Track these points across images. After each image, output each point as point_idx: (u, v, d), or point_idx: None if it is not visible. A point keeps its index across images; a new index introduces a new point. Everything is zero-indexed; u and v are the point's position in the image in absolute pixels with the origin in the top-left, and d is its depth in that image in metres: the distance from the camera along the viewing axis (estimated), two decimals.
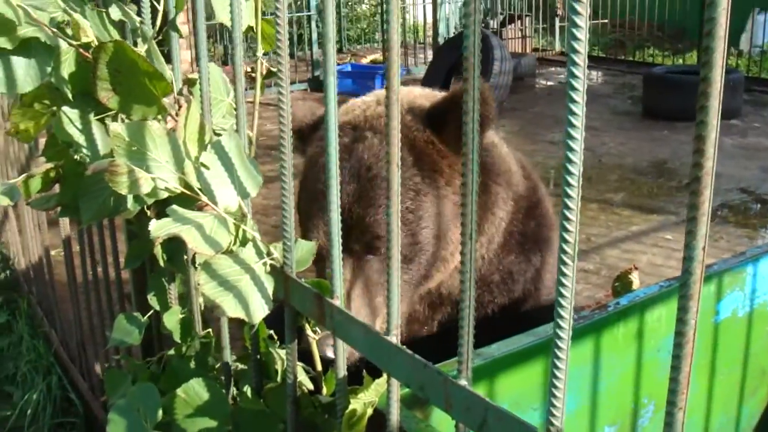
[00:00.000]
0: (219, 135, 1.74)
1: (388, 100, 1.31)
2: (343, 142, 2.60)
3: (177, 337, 2.28)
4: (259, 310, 1.59)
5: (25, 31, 1.68)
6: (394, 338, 1.39)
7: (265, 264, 1.63)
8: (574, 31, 0.94)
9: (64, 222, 3.85)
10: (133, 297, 2.72)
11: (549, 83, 14.47)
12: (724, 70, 0.83)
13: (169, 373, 2.26)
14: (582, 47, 0.94)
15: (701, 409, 2.77)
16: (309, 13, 15.11)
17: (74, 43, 1.74)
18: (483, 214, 2.66)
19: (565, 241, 1.01)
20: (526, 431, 1.14)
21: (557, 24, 17.29)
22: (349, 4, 21.01)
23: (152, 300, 2.40)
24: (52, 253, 4.71)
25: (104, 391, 3.86)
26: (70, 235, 3.85)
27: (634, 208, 7.43)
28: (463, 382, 1.25)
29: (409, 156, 2.56)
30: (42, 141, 2.45)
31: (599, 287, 5.50)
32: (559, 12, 17.33)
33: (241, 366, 2.15)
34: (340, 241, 1.54)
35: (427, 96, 2.77)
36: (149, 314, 2.44)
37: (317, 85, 14.11)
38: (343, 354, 1.60)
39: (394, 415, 1.48)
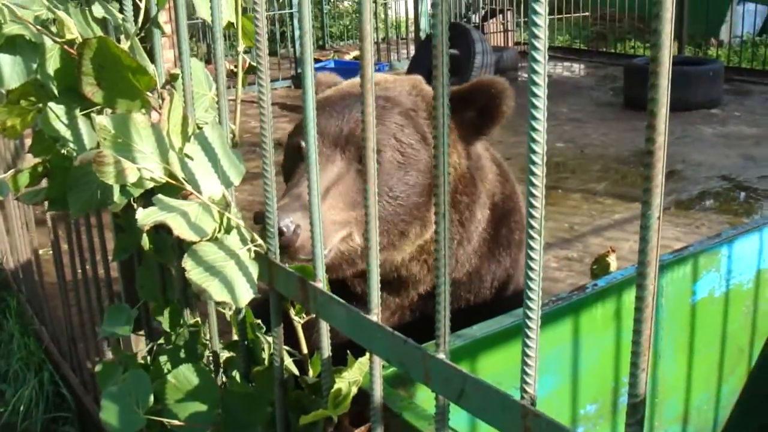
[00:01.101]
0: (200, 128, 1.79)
1: (363, 88, 1.36)
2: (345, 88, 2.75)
3: (166, 327, 2.32)
4: (245, 294, 1.64)
5: (11, 28, 1.73)
6: (375, 317, 1.45)
7: (249, 250, 1.69)
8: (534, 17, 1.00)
9: (52, 220, 3.90)
10: (122, 290, 2.77)
11: None
12: (671, 50, 0.89)
13: (159, 362, 2.31)
14: (542, 32, 1.00)
15: (682, 388, 2.83)
16: (291, 11, 15.15)
17: (59, 40, 1.79)
18: (470, 211, 2.69)
19: (533, 199, 1.07)
20: (502, 399, 1.19)
21: None
22: (332, 1, 21.05)
23: (141, 291, 2.45)
24: (40, 252, 4.75)
25: (96, 385, 3.93)
26: (58, 233, 3.90)
27: (617, 197, 7.51)
28: (441, 355, 1.30)
29: (424, 110, 2.63)
30: (27, 141, 2.51)
31: (582, 274, 5.57)
32: None
33: (229, 354, 2.20)
34: (321, 218, 1.59)
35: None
36: (138, 305, 2.49)
37: (300, 83, 14.13)
38: (326, 335, 1.65)
39: (377, 392, 1.54)
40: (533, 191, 1.07)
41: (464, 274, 2.80)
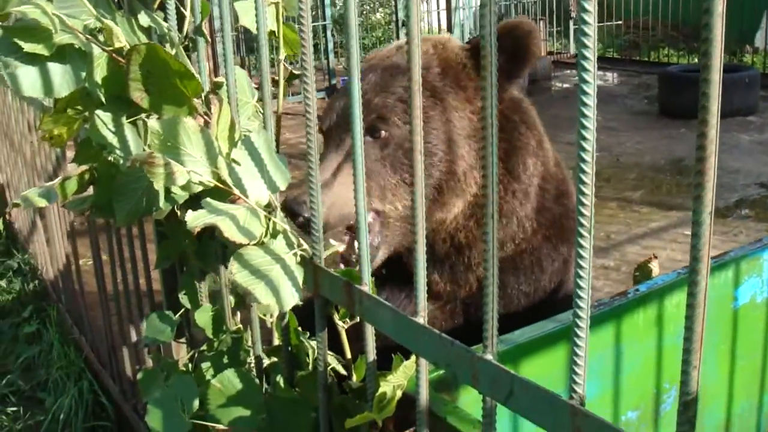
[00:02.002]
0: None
1: (411, 90, 1.37)
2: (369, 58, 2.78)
3: (209, 333, 2.34)
4: (290, 297, 1.66)
5: (61, 38, 1.75)
6: (422, 319, 1.46)
7: (295, 254, 1.70)
8: (584, 27, 1.01)
9: (93, 230, 3.94)
10: (163, 298, 2.79)
11: (564, 86, 14.52)
12: (722, 57, 0.90)
13: (201, 369, 2.32)
14: (591, 42, 1.01)
15: (723, 396, 2.81)
16: (324, 23, 15.20)
17: (107, 48, 1.82)
18: (513, 156, 2.65)
19: (582, 225, 1.07)
20: (551, 399, 1.19)
21: (572, 27, 17.32)
22: (364, 12, 21.12)
23: (183, 299, 2.47)
24: (80, 262, 4.80)
25: (135, 394, 3.96)
26: (98, 243, 3.94)
27: (653, 205, 7.47)
28: (488, 356, 1.31)
29: (436, 66, 2.62)
30: (69, 153, 2.54)
31: (619, 283, 5.55)
32: (574, 15, 17.36)
33: (271, 359, 2.22)
34: (367, 229, 1.60)
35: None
36: (180, 313, 2.51)
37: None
38: (372, 339, 1.66)
39: (423, 395, 1.54)
40: (583, 199, 1.08)
41: (524, 253, 2.79)
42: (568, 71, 15.79)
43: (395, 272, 2.74)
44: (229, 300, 2.34)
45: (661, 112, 11.58)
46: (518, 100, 2.77)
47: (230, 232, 1.54)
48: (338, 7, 18.63)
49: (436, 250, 2.72)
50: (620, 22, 17.73)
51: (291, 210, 2.31)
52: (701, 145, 0.93)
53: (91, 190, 2.21)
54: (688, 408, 1.02)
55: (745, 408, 2.93)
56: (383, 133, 2.54)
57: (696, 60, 15.98)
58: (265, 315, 2.30)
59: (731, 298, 2.68)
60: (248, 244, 1.61)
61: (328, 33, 15.26)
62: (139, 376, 2.47)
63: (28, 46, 1.71)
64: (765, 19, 16.46)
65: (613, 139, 9.87)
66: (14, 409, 4.90)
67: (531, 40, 2.54)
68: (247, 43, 15.85)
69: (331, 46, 15.25)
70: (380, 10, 21.78)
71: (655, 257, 2.72)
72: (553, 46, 17.66)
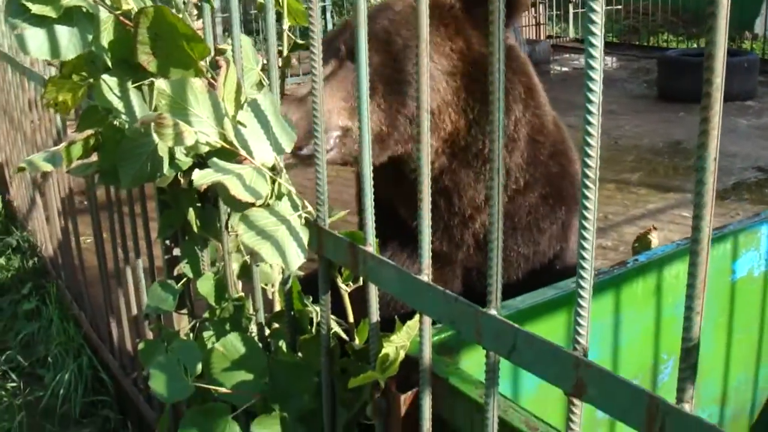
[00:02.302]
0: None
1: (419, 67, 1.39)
2: None
3: (211, 301, 2.36)
4: (295, 258, 1.68)
5: (69, 0, 1.76)
6: (425, 277, 1.47)
7: (300, 216, 1.72)
8: (591, 15, 1.02)
9: (94, 206, 3.95)
10: (164, 267, 2.81)
11: (564, 69, 14.50)
12: (725, 45, 0.91)
13: (203, 338, 2.34)
14: (598, 29, 1.03)
15: (720, 368, 2.84)
16: (324, 4, 15.17)
17: (114, 11, 1.83)
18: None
19: (587, 186, 1.09)
20: (554, 351, 1.21)
21: (571, 11, 17.30)
22: None
23: (185, 267, 2.49)
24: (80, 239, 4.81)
25: (135, 368, 3.98)
26: (99, 219, 3.95)
27: (651, 187, 7.49)
28: (492, 311, 1.33)
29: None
30: (70, 130, 2.55)
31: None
32: None
33: (273, 326, 2.24)
34: (372, 193, 1.62)
35: None
36: (183, 282, 2.53)
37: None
38: (375, 299, 1.68)
39: (427, 354, 1.56)
40: (587, 180, 1.10)
41: (521, 212, 2.82)
42: (567, 55, 15.76)
43: (396, 229, 2.76)
44: (232, 268, 2.36)
45: (659, 96, 11.58)
46: (508, 47, 2.78)
47: (237, 190, 1.56)
48: None
49: None
50: (620, 7, 17.69)
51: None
52: (706, 106, 0.95)
53: (95, 157, 2.22)
54: (690, 354, 1.04)
55: (742, 381, 2.95)
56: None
57: (695, 45, 16.00)
58: (266, 285, 2.32)
59: (729, 271, 2.70)
60: (254, 204, 1.63)
61: (328, 14, 15.25)
62: (140, 346, 2.49)
63: (36, 8, 1.72)
64: (765, 6, 16.44)
65: (611, 123, 9.87)
66: (14, 384, 4.92)
67: None
68: (245, 16, 15.81)
69: (330, 26, 15.23)
70: None
71: (655, 228, 2.74)
72: (552, 30, 17.62)
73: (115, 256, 3.78)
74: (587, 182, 1.10)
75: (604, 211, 6.77)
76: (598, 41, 1.04)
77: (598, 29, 1.03)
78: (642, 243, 2.70)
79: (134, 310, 3.80)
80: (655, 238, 2.69)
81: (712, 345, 2.75)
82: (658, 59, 12.11)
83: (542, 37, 16.80)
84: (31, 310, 5.68)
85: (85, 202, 4.61)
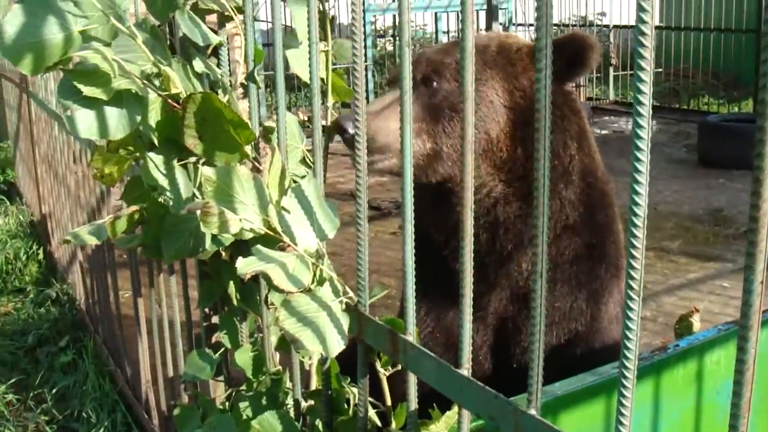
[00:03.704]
0: (294, 181, 1.85)
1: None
2: None
3: (249, 374, 2.37)
4: (336, 345, 1.68)
5: (119, 83, 1.80)
6: (466, 371, 1.47)
7: (341, 302, 1.73)
8: (640, 73, 1.03)
9: (134, 262, 3.98)
10: (203, 335, 2.82)
11: (603, 132, 14.49)
12: None
13: (239, 408, 2.35)
14: (646, 97, 1.03)
15: None
16: (366, 64, 15.33)
17: (162, 93, 1.86)
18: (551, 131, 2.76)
19: (631, 278, 1.09)
20: None
21: (611, 73, 17.33)
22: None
23: (224, 338, 2.50)
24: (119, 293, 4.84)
25: (169, 428, 3.98)
26: (139, 277, 3.98)
27: (691, 256, 7.42)
28: (532, 411, 1.32)
29: (494, 47, 2.89)
30: (113, 189, 2.59)
31: (656, 334, 5.51)
32: (613, 61, 17.37)
33: (309, 402, 2.24)
34: (414, 282, 1.62)
35: None
36: (220, 352, 2.54)
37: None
38: (414, 388, 1.67)
39: None
40: (633, 251, 1.09)
41: (566, 263, 2.84)
42: (607, 117, 15.77)
43: (432, 267, 2.76)
44: (270, 341, 2.36)
45: (699, 162, 11.52)
46: (567, 91, 2.92)
47: (279, 280, 1.57)
48: (378, 48, 18.78)
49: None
50: (660, 70, 17.70)
51: (339, 126, 2.47)
52: (754, 205, 0.94)
53: (138, 230, 2.25)
54: None
55: None
56: (434, 84, 2.81)
57: (735, 109, 15.94)
58: (304, 358, 2.32)
59: None
60: (296, 292, 1.64)
61: (369, 74, 15.40)
62: (176, 411, 2.50)
63: (87, 90, 1.76)
64: None
65: (651, 188, 9.52)
66: None
67: (591, 54, 2.76)
68: (287, 82, 16.04)
69: (371, 86, 15.38)
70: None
71: (697, 310, 2.71)
72: (592, 92, 17.65)
73: (152, 313, 3.79)
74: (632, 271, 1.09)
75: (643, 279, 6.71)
76: (646, 111, 1.04)
77: (646, 98, 1.04)
78: (683, 325, 2.67)
79: (170, 371, 3.81)
80: (696, 321, 2.66)
81: (753, 430, 2.70)
82: (698, 124, 12.07)
83: (582, 99, 16.83)
84: (67, 363, 5.71)
85: (125, 256, 4.65)
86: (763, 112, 0.92)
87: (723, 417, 2.48)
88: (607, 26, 18.05)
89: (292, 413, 2.21)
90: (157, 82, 1.92)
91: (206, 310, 2.72)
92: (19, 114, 8.61)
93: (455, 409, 1.56)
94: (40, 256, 7.70)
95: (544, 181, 1.26)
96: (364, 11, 1.88)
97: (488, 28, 13.80)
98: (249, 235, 1.67)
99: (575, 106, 2.93)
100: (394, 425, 1.89)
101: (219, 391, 2.86)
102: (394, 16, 16.30)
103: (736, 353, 1.01)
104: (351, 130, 2.31)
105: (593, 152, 2.97)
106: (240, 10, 2.20)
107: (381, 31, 17.93)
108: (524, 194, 2.77)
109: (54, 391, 5.40)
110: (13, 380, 5.54)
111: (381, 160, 2.76)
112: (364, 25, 14.15)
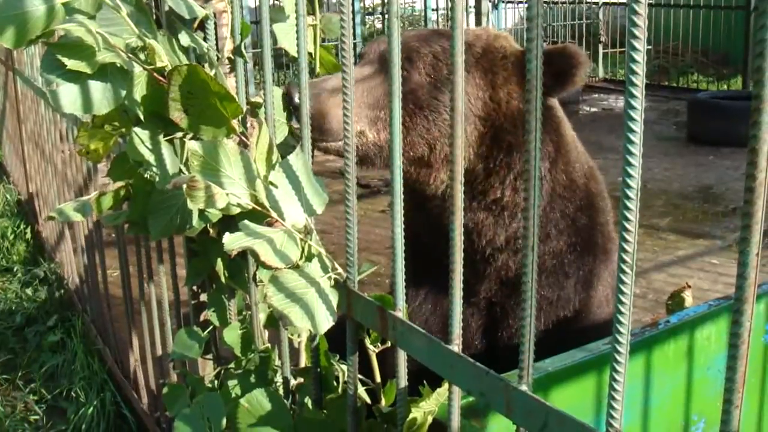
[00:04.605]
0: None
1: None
2: None
3: (237, 352, 2.35)
4: (324, 321, 1.66)
5: (104, 56, 1.77)
6: (456, 347, 1.45)
7: (329, 278, 1.71)
8: (633, 54, 1.01)
9: (121, 241, 3.95)
10: (191, 314, 2.80)
11: (593, 110, 14.49)
12: None
13: (228, 386, 2.33)
14: (640, 69, 1.01)
15: (752, 430, 2.78)
16: (355, 41, 15.25)
17: (148, 67, 1.83)
18: (517, 151, 2.70)
19: (624, 251, 1.07)
20: None
21: (600, 51, 17.31)
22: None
23: (212, 316, 2.48)
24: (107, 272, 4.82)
25: (158, 407, 3.96)
26: (127, 255, 3.95)
27: (680, 233, 7.43)
28: (523, 387, 1.31)
29: (479, 47, 2.73)
30: (100, 164, 2.57)
31: (645, 311, 5.51)
32: (603, 39, 17.34)
33: (298, 380, 2.22)
34: (403, 258, 1.60)
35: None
36: (209, 330, 2.52)
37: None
38: (404, 364, 1.66)
39: (455, 423, 1.54)
40: (626, 225, 1.08)
41: (548, 258, 2.81)
42: (596, 95, 15.76)
43: (420, 258, 2.76)
44: (259, 319, 2.34)
45: (689, 139, 11.52)
46: (548, 106, 2.80)
47: (267, 256, 1.55)
48: (368, 26, 18.69)
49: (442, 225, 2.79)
50: (649, 47, 17.66)
51: (288, 93, 2.31)
52: (750, 175, 0.93)
53: (125, 206, 2.22)
54: (730, 418, 1.02)
55: None
56: (404, 72, 2.61)
57: (725, 86, 15.93)
58: (293, 335, 2.30)
59: (762, 331, 2.65)
60: (284, 268, 1.61)
61: (358, 50, 15.33)
62: (164, 390, 2.48)
63: (71, 63, 1.73)
64: None
65: None
66: (36, 417, 4.92)
67: (580, 71, 2.63)
68: (276, 59, 15.94)
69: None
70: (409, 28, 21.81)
71: (689, 286, 2.70)
72: None
73: (140, 291, 3.77)
74: (624, 256, 1.08)
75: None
76: (639, 92, 1.02)
77: (639, 81, 1.02)
78: (676, 301, 2.66)
79: (159, 350, 3.79)
80: (689, 297, 2.65)
81: (744, 406, 2.70)
82: (688, 101, 12.07)
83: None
84: (56, 342, 5.68)
85: (113, 235, 4.62)
86: (760, 79, 0.90)
87: (714, 391, 2.47)
88: (596, 3, 18.01)
89: (281, 391, 2.19)
90: (142, 56, 1.88)
91: (194, 288, 2.69)
92: (5, 92, 8.55)
93: (446, 386, 1.55)
94: (28, 236, 7.66)
95: (534, 201, 1.24)
96: None
97: (477, 5, 13.74)
98: (236, 211, 1.65)
99: (554, 123, 2.83)
100: (383, 402, 1.87)
101: (208, 370, 2.84)
102: None
103: (731, 327, 0.99)
104: (296, 100, 2.26)
105: (571, 163, 2.87)
106: None
107: (370, 9, 17.81)
108: (488, 205, 2.73)
109: (42, 370, 5.39)
110: (2, 360, 5.52)
111: (328, 142, 2.62)
112: (353, 3, 14.10)
